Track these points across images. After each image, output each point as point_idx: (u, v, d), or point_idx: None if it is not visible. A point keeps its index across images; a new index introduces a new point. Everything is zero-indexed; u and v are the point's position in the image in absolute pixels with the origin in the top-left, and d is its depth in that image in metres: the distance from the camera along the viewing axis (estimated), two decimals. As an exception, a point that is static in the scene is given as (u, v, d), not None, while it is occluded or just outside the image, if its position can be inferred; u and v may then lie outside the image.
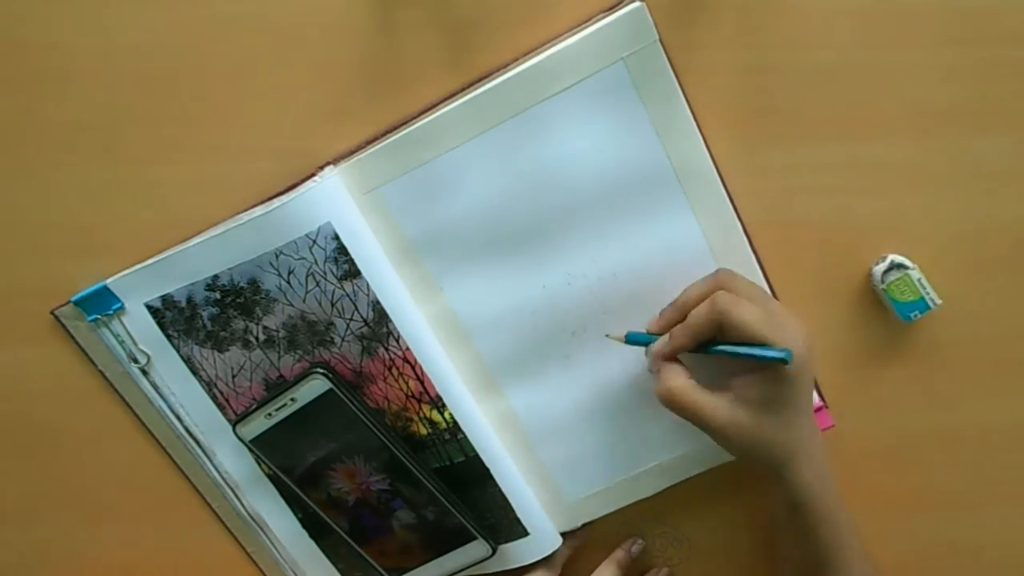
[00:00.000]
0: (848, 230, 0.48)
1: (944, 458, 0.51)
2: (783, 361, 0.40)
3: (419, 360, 0.48)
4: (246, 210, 0.47)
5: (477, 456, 0.50)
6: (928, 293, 0.46)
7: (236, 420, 0.49)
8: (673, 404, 0.43)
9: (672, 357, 0.45)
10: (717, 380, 0.43)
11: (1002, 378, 0.50)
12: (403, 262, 0.48)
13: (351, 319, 0.48)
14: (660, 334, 0.45)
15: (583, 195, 0.46)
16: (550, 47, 0.44)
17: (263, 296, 0.48)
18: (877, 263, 0.47)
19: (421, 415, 0.50)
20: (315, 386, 0.48)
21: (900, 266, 0.46)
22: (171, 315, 0.49)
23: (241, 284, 0.47)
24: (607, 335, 0.48)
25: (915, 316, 0.47)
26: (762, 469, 0.45)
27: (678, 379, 0.43)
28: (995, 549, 0.53)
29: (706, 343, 0.43)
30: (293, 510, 0.54)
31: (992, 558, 0.53)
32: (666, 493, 0.52)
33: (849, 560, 0.45)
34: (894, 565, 0.53)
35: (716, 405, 0.42)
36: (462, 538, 0.52)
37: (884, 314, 0.49)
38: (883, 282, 0.46)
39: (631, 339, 0.47)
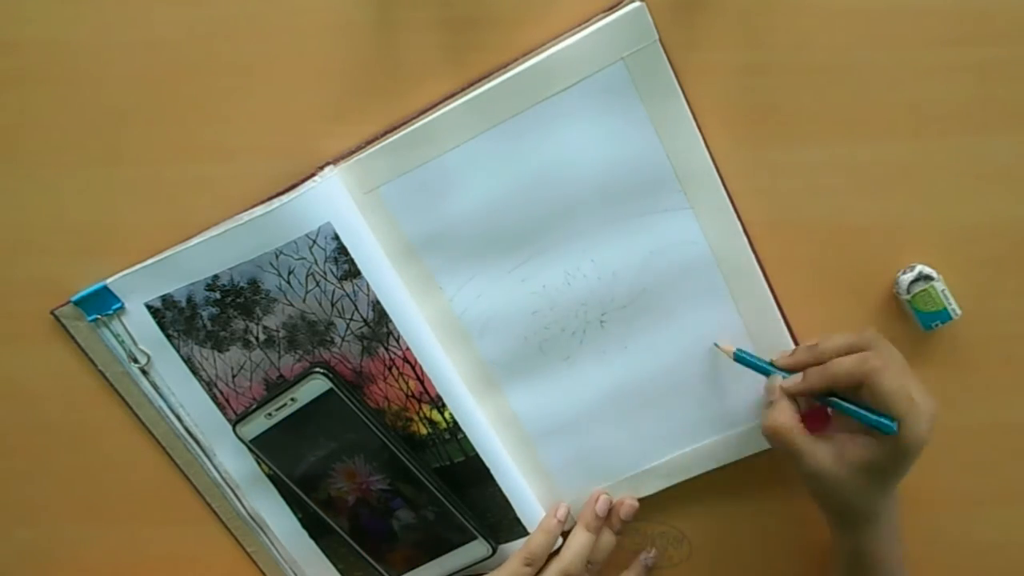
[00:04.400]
0: (847, 230, 0.48)
1: (950, 457, 0.51)
2: (890, 431, 0.41)
3: (419, 360, 0.48)
4: (246, 210, 0.47)
5: (477, 456, 0.50)
6: (950, 304, 0.46)
7: (236, 420, 0.49)
8: (777, 440, 0.44)
9: (796, 394, 0.45)
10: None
11: (1008, 377, 0.50)
12: (403, 262, 0.48)
13: (351, 319, 0.48)
14: (785, 369, 0.46)
15: (583, 195, 0.46)
16: (550, 47, 0.44)
17: (263, 296, 0.48)
18: (904, 272, 0.47)
19: (421, 415, 0.50)
20: (315, 386, 0.48)
21: (926, 277, 0.46)
22: (171, 315, 0.49)
23: (241, 284, 0.47)
24: (716, 344, 0.48)
25: (936, 326, 0.47)
26: (833, 518, 0.46)
27: (787, 418, 0.43)
28: (1000, 548, 0.53)
29: (832, 393, 0.44)
30: (293, 510, 0.54)
31: (994, 558, 0.53)
32: (666, 493, 0.52)
33: None
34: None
35: (817, 452, 0.43)
36: (462, 538, 0.52)
37: (882, 311, 0.49)
38: (908, 292, 0.47)
39: (740, 357, 0.47)
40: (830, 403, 0.44)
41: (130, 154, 0.48)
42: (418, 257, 0.48)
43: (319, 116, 0.47)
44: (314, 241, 0.46)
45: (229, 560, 0.56)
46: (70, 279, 0.49)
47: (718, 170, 0.46)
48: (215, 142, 0.47)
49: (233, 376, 0.50)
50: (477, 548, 0.52)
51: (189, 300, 0.48)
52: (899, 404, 0.41)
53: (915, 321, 0.48)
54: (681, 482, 0.51)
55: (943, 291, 0.46)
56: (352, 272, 0.46)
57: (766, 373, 0.46)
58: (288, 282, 0.47)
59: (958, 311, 0.47)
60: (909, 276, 0.47)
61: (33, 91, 0.47)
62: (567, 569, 0.49)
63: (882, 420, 0.41)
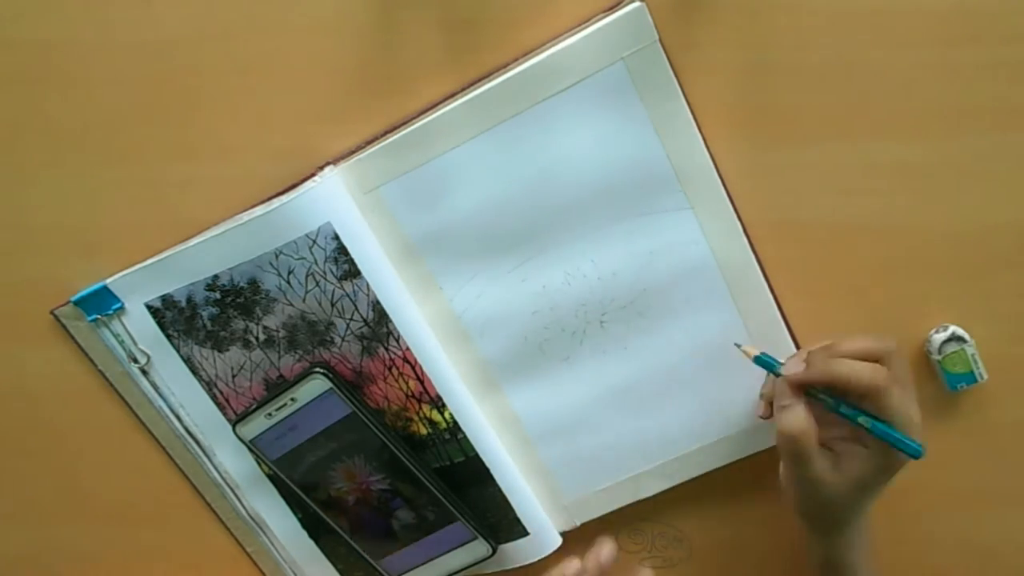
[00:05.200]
0: (848, 230, 0.48)
1: (950, 458, 0.51)
2: (917, 455, 0.40)
3: (419, 360, 0.48)
4: (246, 210, 0.47)
5: (477, 456, 0.50)
6: (978, 367, 0.47)
7: (236, 420, 0.49)
8: (792, 445, 0.42)
9: (798, 383, 0.42)
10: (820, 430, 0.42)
11: (1007, 377, 0.50)
12: (403, 262, 0.48)
13: (351, 319, 0.48)
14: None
15: (583, 195, 0.46)
16: (550, 47, 0.44)
17: (263, 296, 0.48)
18: (937, 331, 0.48)
19: (421, 415, 0.50)
20: (315, 386, 0.48)
21: (959, 339, 0.47)
22: (171, 315, 0.49)
23: (241, 284, 0.47)
24: (737, 344, 0.47)
25: (961, 387, 0.48)
26: (810, 524, 0.46)
27: (807, 424, 0.41)
28: (1001, 549, 0.53)
29: (834, 399, 0.42)
30: (293, 510, 0.54)
31: (996, 559, 0.53)
32: (666, 493, 0.52)
33: None
34: (897, 565, 0.53)
35: (823, 463, 0.42)
36: (462, 538, 0.52)
37: (881, 310, 0.49)
38: (940, 352, 0.47)
39: (760, 361, 0.45)
40: (850, 417, 0.42)
41: (130, 154, 0.48)
42: (418, 257, 0.48)
43: (319, 116, 0.47)
44: (314, 241, 0.46)
45: (229, 560, 0.56)
46: (70, 279, 0.49)
47: (718, 170, 0.46)
48: (215, 142, 0.47)
49: (233, 376, 0.50)
50: (477, 548, 0.52)
51: (189, 300, 0.48)
52: (902, 424, 0.40)
53: (942, 382, 0.48)
54: (681, 483, 0.51)
55: (973, 355, 0.47)
56: (352, 272, 0.46)
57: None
58: (288, 282, 0.47)
59: (984, 376, 0.48)
60: (942, 336, 0.47)
61: (33, 91, 0.47)
62: None
63: (909, 443, 0.40)
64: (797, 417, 0.42)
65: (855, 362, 0.41)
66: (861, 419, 0.41)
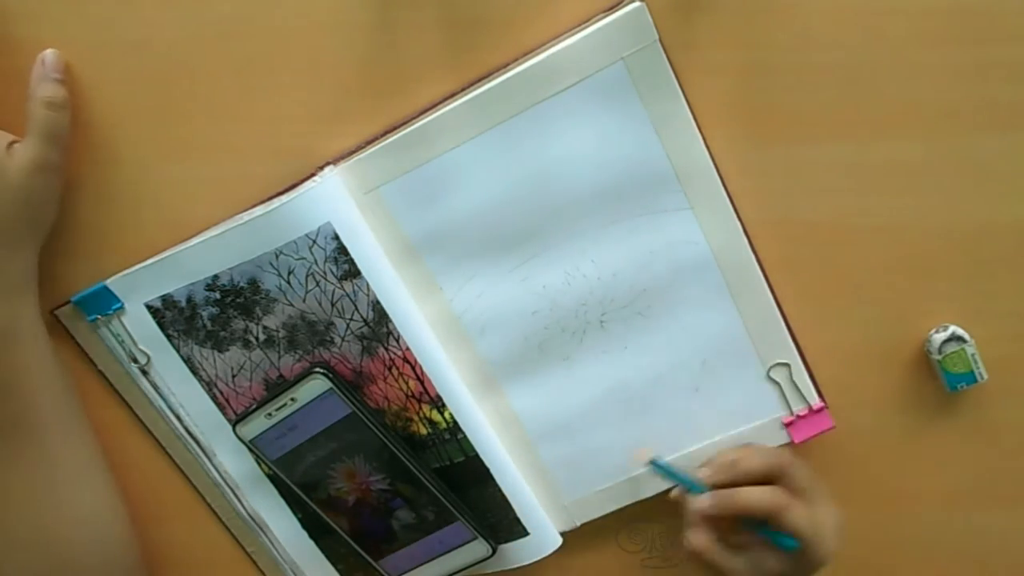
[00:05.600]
0: (848, 230, 0.48)
1: (950, 458, 0.51)
2: (791, 548, 0.44)
3: (419, 360, 0.48)
4: (246, 210, 0.47)
5: (477, 456, 0.50)
6: (978, 367, 0.48)
7: (236, 420, 0.49)
8: (698, 561, 0.47)
9: (705, 516, 0.46)
10: (740, 533, 0.47)
11: (1007, 377, 0.50)
12: (403, 262, 0.48)
13: (351, 319, 0.48)
14: (702, 484, 0.47)
15: (583, 195, 0.46)
16: (550, 47, 0.44)
17: (263, 296, 0.48)
18: (937, 331, 0.48)
19: (421, 415, 0.50)
20: (315, 386, 0.48)
21: (959, 339, 0.47)
22: (171, 315, 0.49)
23: (241, 284, 0.47)
24: (635, 453, 0.50)
25: (961, 387, 0.49)
26: None
27: (702, 541, 0.46)
28: (1001, 549, 0.53)
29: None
30: (293, 510, 0.54)
31: (996, 559, 0.53)
32: (666, 493, 0.52)
33: None
34: (897, 565, 0.53)
35: (736, 567, 0.46)
36: (462, 538, 0.52)
37: (879, 309, 0.49)
38: (940, 352, 0.47)
39: (656, 467, 0.49)
40: (742, 520, 0.46)
41: (130, 154, 0.48)
42: (418, 257, 0.48)
43: (319, 116, 0.47)
44: (314, 241, 0.46)
45: (229, 560, 0.56)
46: (70, 279, 0.49)
47: (718, 170, 0.46)
48: (215, 142, 0.47)
49: (233, 376, 0.50)
50: (477, 548, 0.52)
51: (189, 300, 0.48)
52: (803, 535, 0.44)
53: (942, 382, 0.49)
54: (681, 482, 0.51)
55: (973, 355, 0.47)
56: (352, 272, 0.46)
57: (685, 485, 0.48)
58: (288, 282, 0.47)
59: (984, 376, 0.48)
60: (942, 335, 0.47)
61: (33, 91, 0.47)
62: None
63: (783, 540, 0.45)
64: (695, 537, 0.46)
65: (753, 491, 0.45)
66: (745, 524, 0.46)
